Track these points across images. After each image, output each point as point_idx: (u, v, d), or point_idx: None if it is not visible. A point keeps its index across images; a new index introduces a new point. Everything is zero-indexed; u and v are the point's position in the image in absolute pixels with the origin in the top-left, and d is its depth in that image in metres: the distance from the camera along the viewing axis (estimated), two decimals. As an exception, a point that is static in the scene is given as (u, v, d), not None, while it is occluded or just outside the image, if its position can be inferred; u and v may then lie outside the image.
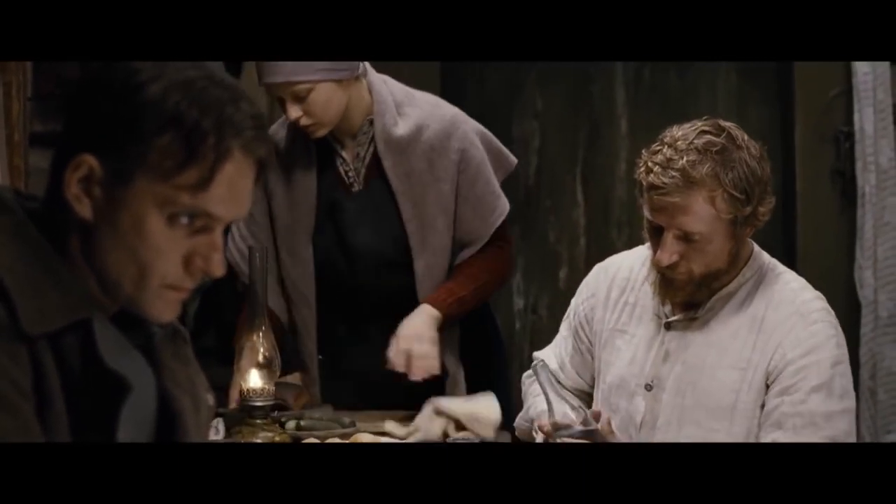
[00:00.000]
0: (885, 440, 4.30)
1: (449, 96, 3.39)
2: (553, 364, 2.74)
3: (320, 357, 3.13)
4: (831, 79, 4.44)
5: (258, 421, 2.71)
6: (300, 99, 2.91)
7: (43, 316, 1.45)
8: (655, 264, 2.49)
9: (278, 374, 2.79)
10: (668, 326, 2.55)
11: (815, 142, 4.48)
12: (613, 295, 2.65)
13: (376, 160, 3.03)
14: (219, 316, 3.97)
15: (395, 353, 2.91)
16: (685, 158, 2.38)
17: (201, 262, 1.51)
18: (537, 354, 2.83)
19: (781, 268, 2.57)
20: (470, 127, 3.08)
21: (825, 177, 4.49)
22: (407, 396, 2.90)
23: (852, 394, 2.48)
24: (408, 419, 2.81)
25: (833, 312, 2.51)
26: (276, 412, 2.79)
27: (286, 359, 2.93)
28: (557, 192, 4.67)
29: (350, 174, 3.05)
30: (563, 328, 2.79)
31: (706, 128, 2.43)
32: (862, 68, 4.37)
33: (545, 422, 2.46)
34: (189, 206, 1.48)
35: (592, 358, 2.69)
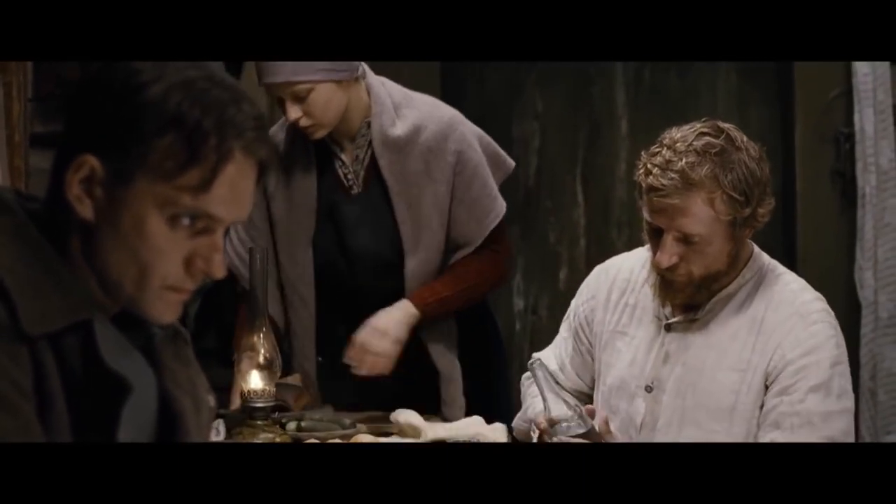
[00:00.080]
0: (885, 440, 4.29)
1: (449, 97, 3.40)
2: (553, 365, 2.73)
3: (319, 359, 3.13)
4: (831, 79, 4.43)
5: (259, 422, 2.71)
6: (300, 99, 2.91)
7: (44, 316, 1.45)
8: (655, 266, 2.49)
9: (279, 375, 2.80)
10: (669, 328, 2.55)
11: (816, 142, 4.47)
12: (614, 296, 2.65)
13: (375, 162, 3.03)
14: (219, 317, 3.97)
15: (353, 344, 2.91)
16: (684, 160, 2.38)
17: (202, 264, 1.51)
18: (537, 355, 2.83)
19: (781, 269, 2.57)
20: (467, 129, 3.07)
21: (825, 178, 4.48)
22: (407, 397, 2.90)
23: (851, 394, 2.48)
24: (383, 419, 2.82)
25: (833, 313, 2.51)
26: (276, 413, 2.79)
27: (286, 360, 2.94)
28: (557, 193, 4.66)
29: (349, 177, 3.05)
30: (563, 329, 2.79)
31: (705, 129, 2.43)
32: (862, 69, 4.36)
33: (542, 419, 2.47)
34: (190, 207, 1.48)
35: (592, 359, 2.69)
